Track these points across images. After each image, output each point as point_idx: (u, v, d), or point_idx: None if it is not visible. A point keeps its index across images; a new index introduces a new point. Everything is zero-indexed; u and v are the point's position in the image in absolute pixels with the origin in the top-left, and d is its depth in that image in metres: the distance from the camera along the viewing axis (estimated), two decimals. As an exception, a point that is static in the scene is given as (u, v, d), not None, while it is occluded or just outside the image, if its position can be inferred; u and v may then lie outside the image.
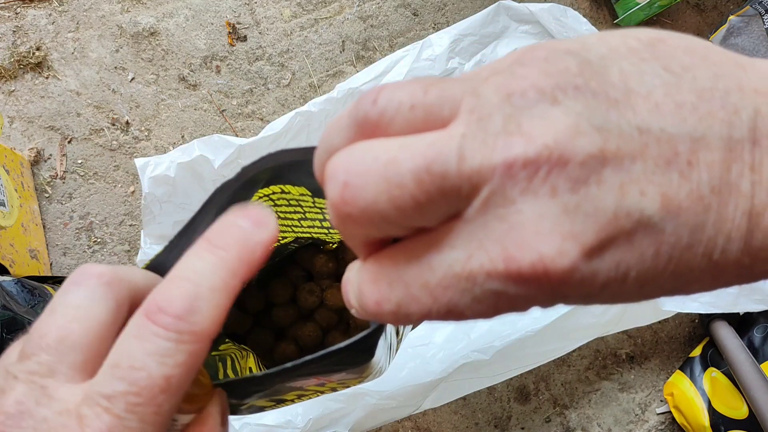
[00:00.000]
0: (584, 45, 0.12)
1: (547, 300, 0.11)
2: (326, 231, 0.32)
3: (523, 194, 0.10)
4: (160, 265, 0.20)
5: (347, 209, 0.11)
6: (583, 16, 0.59)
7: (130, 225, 0.67)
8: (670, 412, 0.69)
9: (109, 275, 0.16)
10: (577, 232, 0.10)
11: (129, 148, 0.67)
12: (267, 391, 0.23)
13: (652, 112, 0.11)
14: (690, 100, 0.11)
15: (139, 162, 0.54)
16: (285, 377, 0.21)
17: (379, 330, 0.20)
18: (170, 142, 0.68)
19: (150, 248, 0.56)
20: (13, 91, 0.66)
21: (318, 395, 0.28)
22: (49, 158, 0.66)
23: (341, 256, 0.41)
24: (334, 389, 0.28)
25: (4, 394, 0.14)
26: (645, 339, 0.71)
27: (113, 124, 0.67)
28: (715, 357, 0.65)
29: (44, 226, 0.65)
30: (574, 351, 0.64)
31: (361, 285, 0.13)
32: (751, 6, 0.67)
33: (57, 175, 0.66)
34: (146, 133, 0.68)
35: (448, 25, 0.62)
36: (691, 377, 0.66)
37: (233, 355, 0.33)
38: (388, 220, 0.11)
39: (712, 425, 0.62)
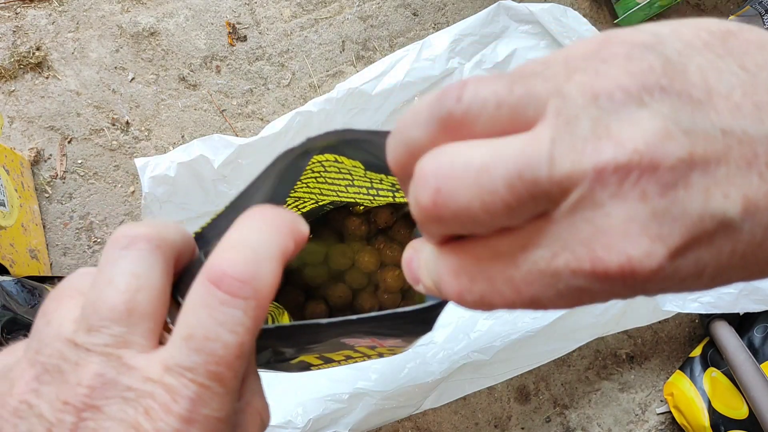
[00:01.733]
0: (659, 38, 0.12)
1: (628, 294, 0.12)
2: (371, 198, 0.33)
3: (613, 198, 0.11)
4: (220, 225, 0.20)
5: (438, 213, 0.12)
6: (583, 16, 0.59)
7: (130, 225, 0.67)
8: (670, 412, 0.69)
9: (156, 238, 0.16)
10: (664, 234, 0.11)
11: (129, 148, 0.67)
12: (323, 344, 0.23)
13: (733, 113, 0.11)
14: (767, 101, 0.11)
15: (139, 162, 0.54)
16: (348, 329, 0.21)
17: (446, 302, 0.20)
18: (170, 142, 0.68)
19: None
20: (13, 91, 0.66)
21: (364, 359, 0.29)
22: (49, 158, 0.66)
23: (373, 219, 0.42)
24: (381, 355, 0.29)
25: (79, 368, 0.14)
26: (645, 339, 0.71)
27: (113, 124, 0.67)
28: (715, 357, 0.65)
29: (44, 226, 0.65)
30: (574, 351, 0.64)
31: (440, 275, 0.14)
32: (751, 6, 0.67)
33: (57, 175, 0.66)
34: (146, 133, 0.68)
35: (448, 25, 0.62)
36: (691, 377, 0.66)
37: (272, 313, 0.33)
38: (477, 222, 0.12)
39: (712, 425, 0.62)
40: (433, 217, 0.12)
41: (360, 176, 0.30)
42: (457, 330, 0.56)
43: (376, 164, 0.27)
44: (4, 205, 0.57)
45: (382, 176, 0.29)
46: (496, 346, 0.53)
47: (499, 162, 0.11)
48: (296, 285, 0.41)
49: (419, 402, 0.55)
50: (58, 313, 0.15)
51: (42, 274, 0.61)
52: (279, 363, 0.26)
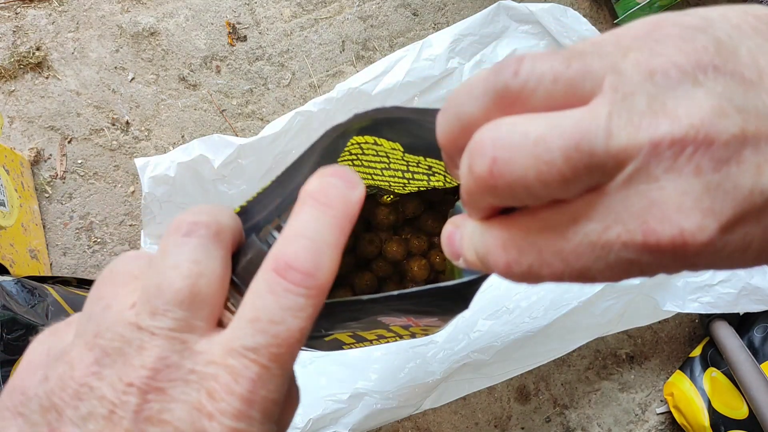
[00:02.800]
0: (709, 22, 0.12)
1: (677, 268, 0.12)
2: (405, 181, 0.33)
3: (667, 172, 0.11)
4: (265, 201, 0.20)
5: (494, 182, 0.12)
6: (583, 16, 0.59)
7: (130, 225, 0.67)
8: (670, 412, 0.69)
9: (215, 225, 0.16)
10: (716, 208, 0.11)
11: (129, 148, 0.67)
12: (361, 320, 0.24)
13: None
14: None
15: (139, 162, 0.54)
16: (388, 306, 0.21)
17: (485, 277, 0.20)
18: (170, 142, 0.68)
19: (150, 248, 0.56)
20: (13, 91, 0.66)
21: (396, 339, 0.30)
22: (49, 158, 0.66)
23: (401, 210, 0.43)
24: (413, 335, 0.29)
25: (143, 350, 0.14)
26: (645, 339, 0.71)
27: (113, 124, 0.67)
28: (715, 357, 0.65)
29: (44, 226, 0.65)
30: (574, 351, 0.64)
31: (488, 248, 0.14)
32: (751, 6, 0.67)
33: (57, 175, 0.66)
34: (146, 133, 0.68)
35: (448, 25, 0.61)
36: (691, 377, 0.66)
37: None
38: (531, 193, 0.12)
39: (712, 425, 0.62)
40: (487, 187, 0.12)
41: (397, 159, 0.30)
42: (457, 330, 0.56)
43: (416, 146, 0.28)
44: (4, 205, 0.57)
45: (420, 158, 0.30)
46: (496, 346, 0.53)
47: (557, 133, 0.11)
48: None
49: (419, 402, 0.55)
50: (117, 298, 0.16)
51: (42, 274, 0.61)
52: (312, 339, 0.26)
